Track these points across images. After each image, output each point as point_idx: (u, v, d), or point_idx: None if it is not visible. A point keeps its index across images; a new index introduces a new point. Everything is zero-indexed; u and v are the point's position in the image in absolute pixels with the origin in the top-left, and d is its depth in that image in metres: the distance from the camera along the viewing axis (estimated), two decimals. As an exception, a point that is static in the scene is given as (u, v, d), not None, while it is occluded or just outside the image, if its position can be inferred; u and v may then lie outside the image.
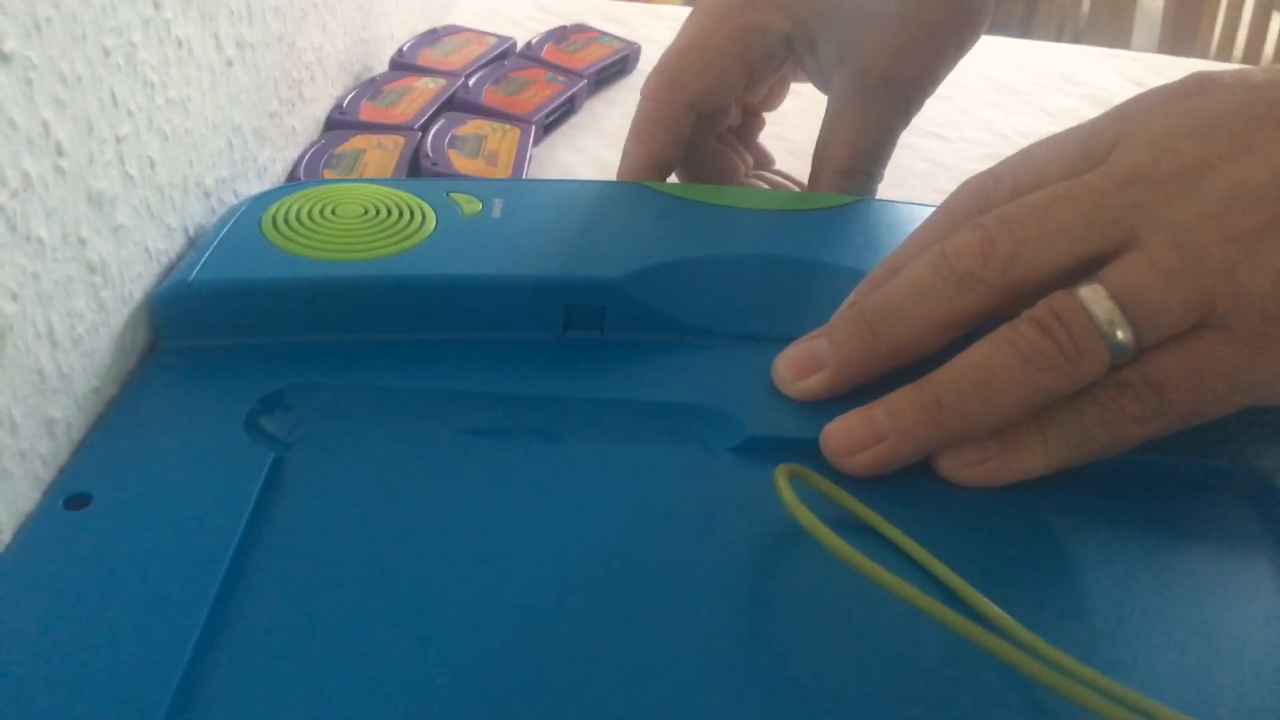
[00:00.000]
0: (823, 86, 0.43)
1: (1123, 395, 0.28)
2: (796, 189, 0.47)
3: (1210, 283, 0.27)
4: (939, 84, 0.42)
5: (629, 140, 0.42)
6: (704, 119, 0.42)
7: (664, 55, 0.42)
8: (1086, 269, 0.28)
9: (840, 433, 0.30)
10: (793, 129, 0.52)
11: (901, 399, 0.29)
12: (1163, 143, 0.29)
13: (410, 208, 0.36)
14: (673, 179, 0.43)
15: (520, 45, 0.60)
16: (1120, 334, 0.27)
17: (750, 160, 0.47)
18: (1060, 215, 0.29)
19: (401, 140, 0.47)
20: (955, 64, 0.42)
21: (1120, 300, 0.27)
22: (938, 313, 0.30)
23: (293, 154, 0.45)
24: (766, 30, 0.41)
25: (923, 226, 0.33)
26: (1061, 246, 0.28)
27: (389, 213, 0.36)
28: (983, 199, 0.31)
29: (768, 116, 0.49)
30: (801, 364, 0.32)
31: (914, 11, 0.40)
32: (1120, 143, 0.29)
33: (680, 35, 0.42)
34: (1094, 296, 0.27)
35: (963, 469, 0.29)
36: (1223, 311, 0.27)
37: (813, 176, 0.43)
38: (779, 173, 0.48)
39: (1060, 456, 0.29)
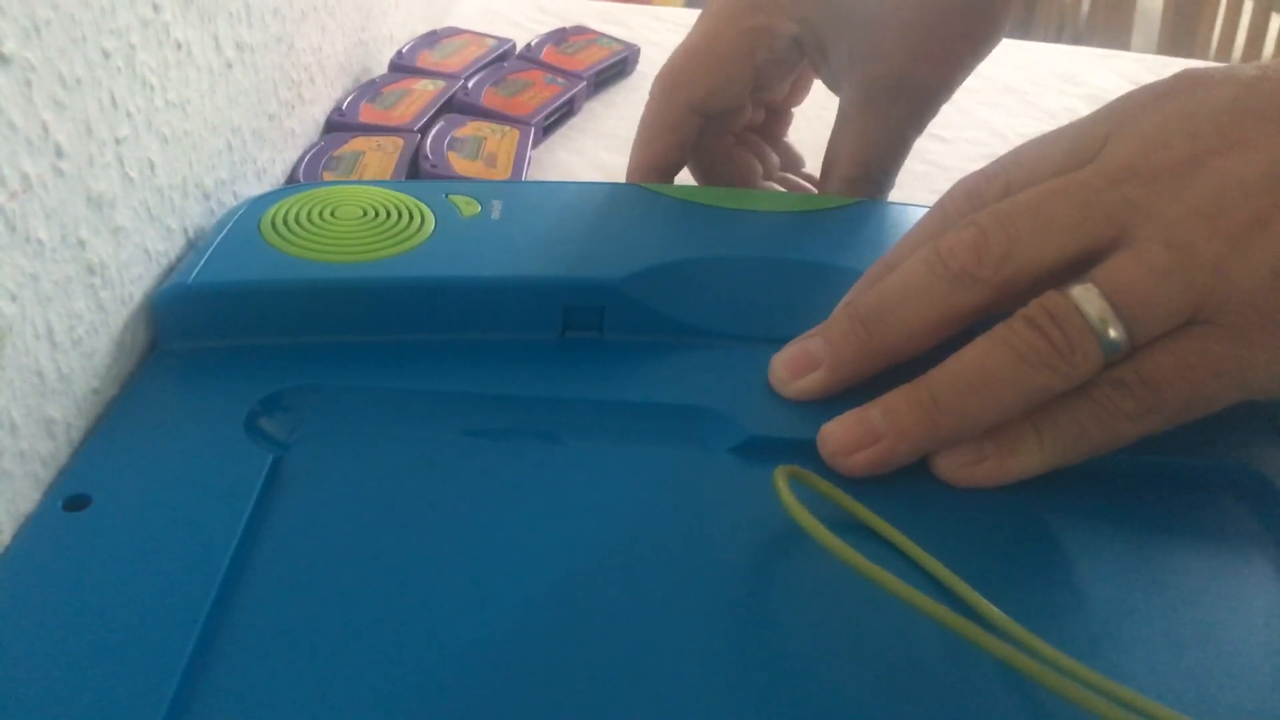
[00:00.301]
0: (835, 89, 0.42)
1: (1117, 393, 0.28)
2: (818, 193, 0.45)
3: (1201, 279, 0.27)
4: (954, 90, 0.41)
5: (634, 142, 0.42)
6: (713, 120, 0.42)
7: (670, 58, 0.42)
8: (1080, 265, 0.28)
9: (837, 432, 0.30)
10: (795, 131, 0.52)
11: (898, 399, 0.29)
12: (1154, 138, 0.29)
13: (409, 209, 0.36)
14: (689, 181, 0.43)
15: (520, 47, 0.60)
16: (1113, 332, 0.27)
17: (776, 161, 0.46)
18: (1053, 211, 0.29)
19: (401, 142, 0.47)
20: (972, 70, 0.41)
21: (1112, 299, 0.27)
22: (933, 310, 0.30)
23: (292, 156, 0.45)
24: (773, 33, 0.40)
25: (917, 225, 0.33)
26: (1054, 242, 0.28)
27: (388, 214, 0.36)
28: (976, 197, 0.31)
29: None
30: (798, 363, 0.32)
31: (927, 16, 0.39)
32: (1111, 139, 0.29)
33: (687, 38, 0.42)
34: (1086, 295, 0.27)
35: (960, 469, 0.29)
36: (1214, 308, 0.27)
37: (821, 181, 0.43)
38: (806, 176, 0.47)
39: (1057, 455, 0.29)
